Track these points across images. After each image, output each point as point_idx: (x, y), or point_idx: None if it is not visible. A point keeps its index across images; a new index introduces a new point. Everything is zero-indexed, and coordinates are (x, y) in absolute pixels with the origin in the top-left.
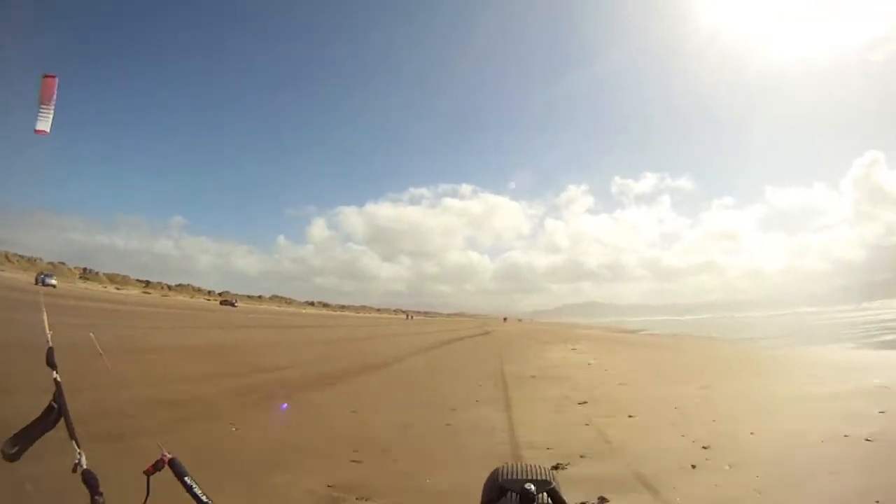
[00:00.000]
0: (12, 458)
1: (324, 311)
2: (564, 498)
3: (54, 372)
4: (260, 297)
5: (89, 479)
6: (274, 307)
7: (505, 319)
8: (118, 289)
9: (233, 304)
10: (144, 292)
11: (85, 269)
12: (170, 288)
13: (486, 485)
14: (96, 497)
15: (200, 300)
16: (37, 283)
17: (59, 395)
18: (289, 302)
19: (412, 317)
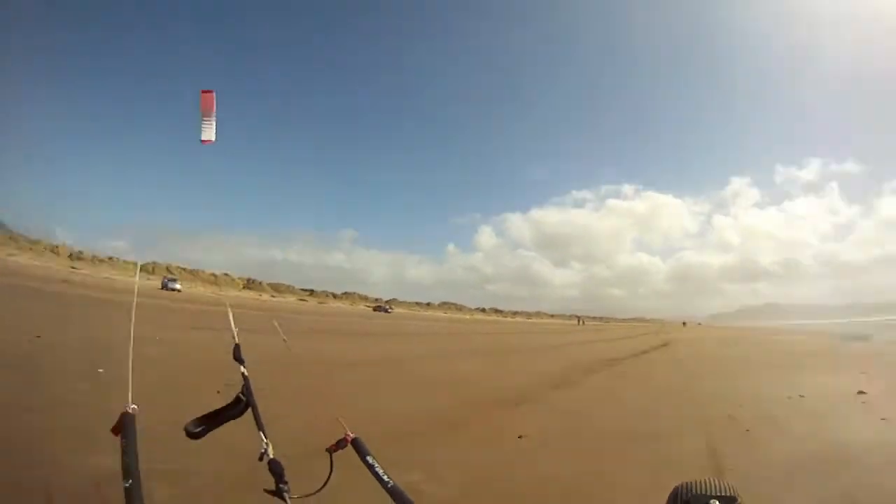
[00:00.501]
0: (195, 436)
1: (493, 318)
2: None
3: (242, 367)
4: (428, 304)
5: (275, 468)
6: (440, 314)
7: (684, 324)
8: (273, 296)
9: (386, 310)
10: (301, 300)
11: (249, 280)
12: (335, 296)
13: (669, 499)
14: (281, 485)
15: (360, 307)
16: (162, 288)
17: (246, 388)
18: (459, 308)
19: (584, 322)
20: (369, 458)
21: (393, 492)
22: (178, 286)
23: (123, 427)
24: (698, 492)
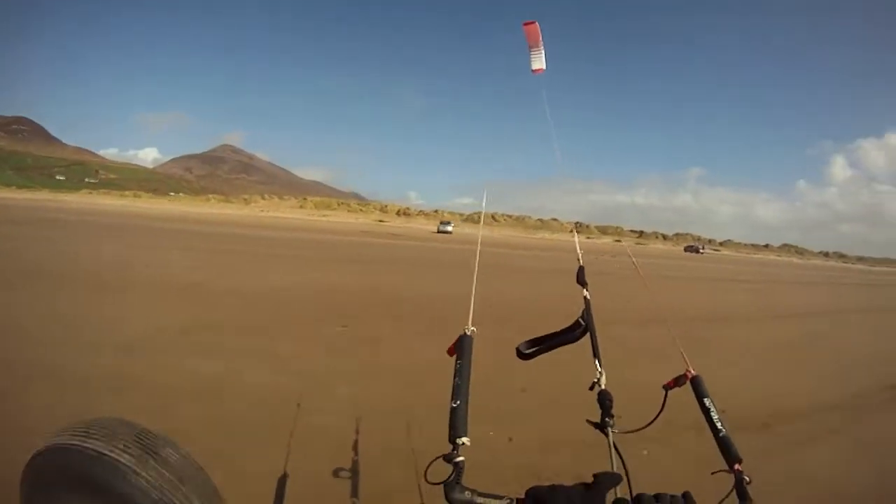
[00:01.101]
0: (526, 356)
1: (829, 263)
2: None
3: (584, 290)
4: (766, 245)
5: (603, 400)
6: (772, 257)
7: None
8: (588, 237)
9: (698, 251)
10: (616, 240)
11: (577, 223)
12: (664, 237)
13: None
14: (606, 419)
15: (677, 248)
16: (438, 231)
17: (587, 312)
18: (800, 252)
19: None
20: (706, 401)
21: (723, 442)
22: (450, 228)
23: (460, 347)
24: None
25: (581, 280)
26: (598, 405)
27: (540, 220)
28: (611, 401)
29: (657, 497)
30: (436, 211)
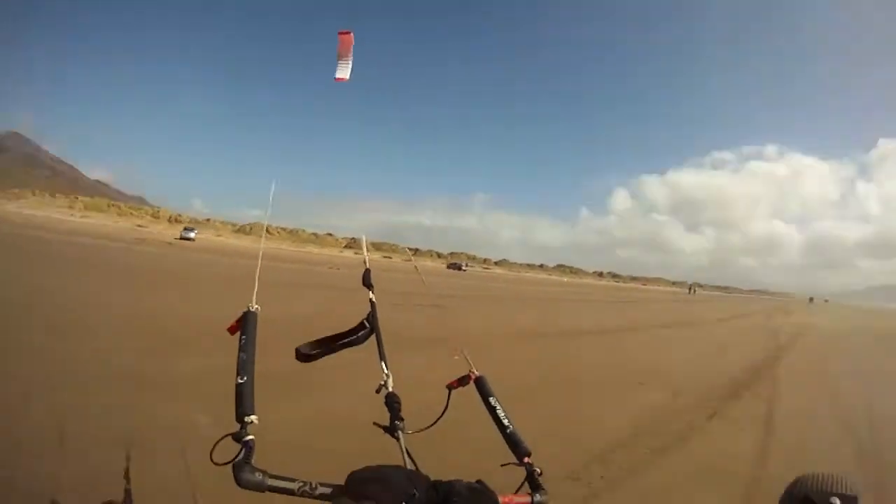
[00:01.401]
0: (306, 359)
1: (607, 283)
2: None
3: (370, 292)
4: (541, 265)
5: (392, 403)
6: (542, 276)
7: (811, 300)
8: (357, 254)
9: (460, 268)
10: (385, 256)
11: (351, 239)
12: (439, 255)
13: (785, 494)
14: (396, 422)
15: (439, 264)
16: (180, 238)
17: (372, 314)
18: (574, 271)
19: (694, 290)
20: (492, 400)
21: (511, 438)
22: (192, 235)
23: (244, 324)
24: (821, 488)
25: (367, 283)
26: (386, 408)
27: (314, 234)
28: (399, 403)
29: (451, 481)
30: (208, 220)
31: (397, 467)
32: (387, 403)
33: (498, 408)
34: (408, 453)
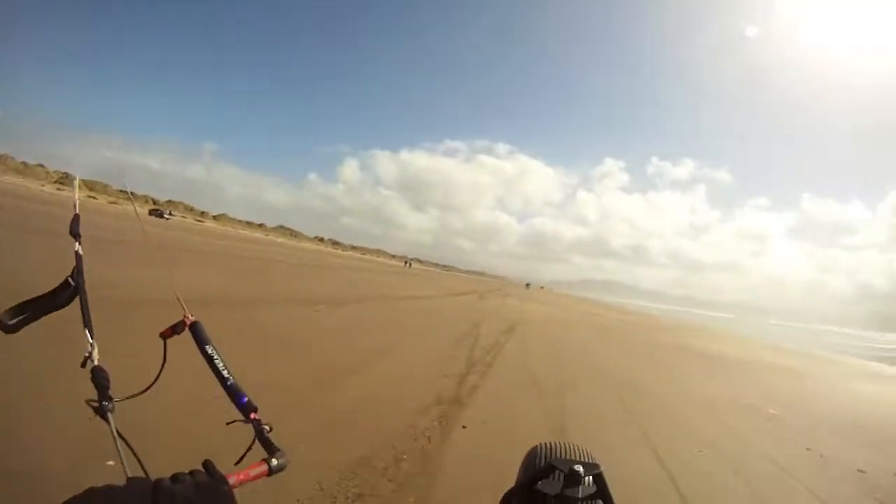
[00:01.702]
0: (10, 329)
1: (324, 248)
2: (607, 483)
3: (77, 243)
4: (261, 225)
5: (99, 378)
6: (259, 235)
7: (528, 285)
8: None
9: (162, 216)
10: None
11: (65, 174)
12: (155, 202)
13: (525, 460)
14: (104, 402)
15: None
16: None
17: (78, 270)
18: (294, 234)
19: (410, 264)
20: (208, 348)
21: (231, 389)
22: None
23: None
24: (562, 455)
25: (74, 231)
26: (92, 385)
27: (23, 162)
28: (107, 379)
29: (174, 478)
30: None
31: (108, 488)
32: (93, 380)
33: (216, 357)
34: (121, 437)
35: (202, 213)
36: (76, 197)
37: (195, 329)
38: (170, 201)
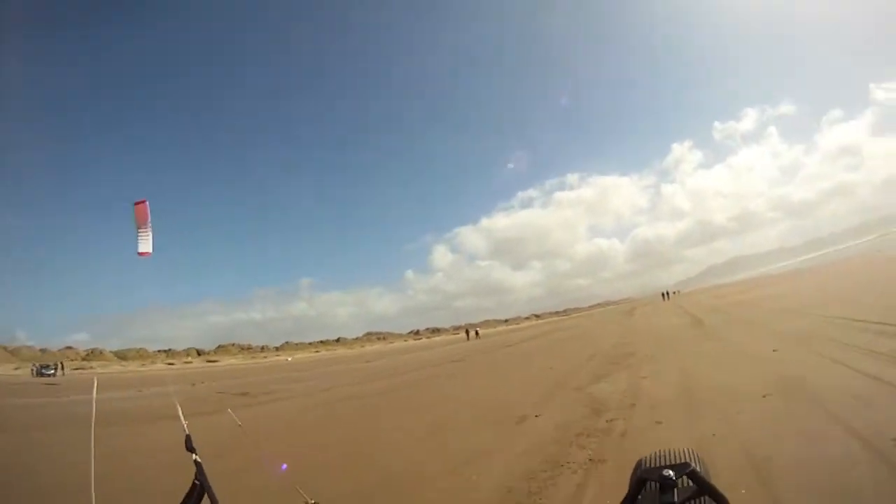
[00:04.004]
0: None
1: (406, 343)
2: (706, 477)
3: (194, 454)
4: (380, 336)
5: None
6: (410, 343)
7: (665, 295)
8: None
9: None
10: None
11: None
12: (276, 349)
13: (631, 477)
14: None
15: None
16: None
17: (200, 473)
18: (383, 338)
19: (477, 333)
20: None
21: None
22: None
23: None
24: (656, 463)
25: (190, 447)
26: None
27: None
28: None
29: None
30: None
31: None
32: None
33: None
34: None
35: (321, 341)
36: (183, 421)
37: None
38: (286, 343)
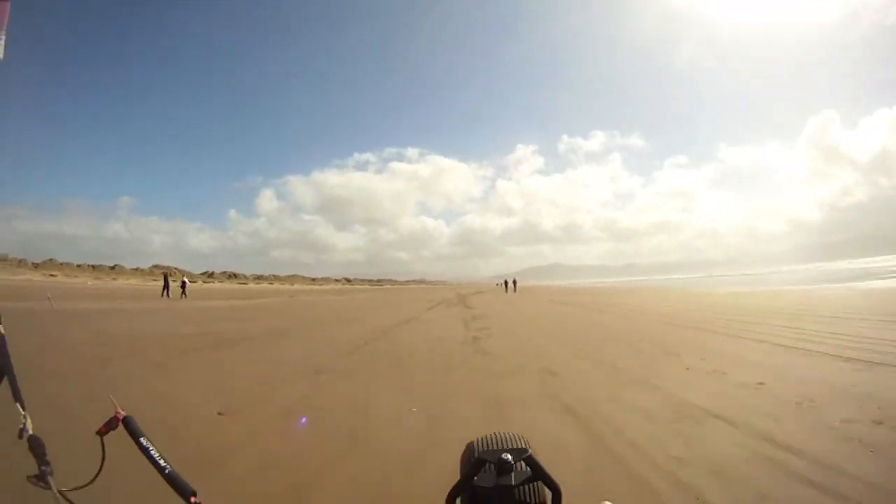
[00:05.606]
0: None
1: (280, 286)
2: (541, 463)
3: None
4: (212, 273)
5: (35, 447)
6: (235, 286)
7: (506, 284)
8: None
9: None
10: None
11: None
12: (93, 267)
13: (462, 458)
14: (43, 468)
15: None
16: None
17: (1, 349)
18: (237, 276)
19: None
20: (143, 440)
21: (170, 478)
22: None
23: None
24: (491, 446)
25: None
26: (31, 454)
27: None
28: (43, 446)
29: None
30: None
31: None
32: (30, 448)
33: (151, 448)
34: (63, 496)
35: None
36: None
37: (128, 423)
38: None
